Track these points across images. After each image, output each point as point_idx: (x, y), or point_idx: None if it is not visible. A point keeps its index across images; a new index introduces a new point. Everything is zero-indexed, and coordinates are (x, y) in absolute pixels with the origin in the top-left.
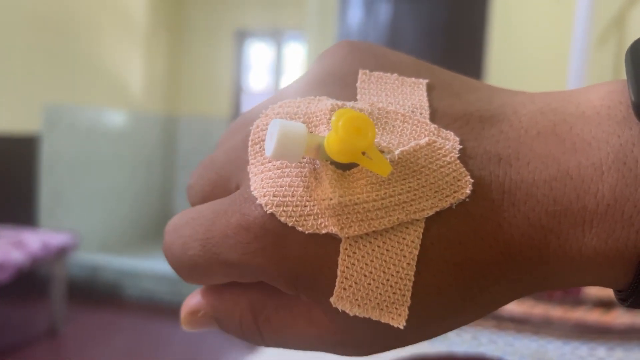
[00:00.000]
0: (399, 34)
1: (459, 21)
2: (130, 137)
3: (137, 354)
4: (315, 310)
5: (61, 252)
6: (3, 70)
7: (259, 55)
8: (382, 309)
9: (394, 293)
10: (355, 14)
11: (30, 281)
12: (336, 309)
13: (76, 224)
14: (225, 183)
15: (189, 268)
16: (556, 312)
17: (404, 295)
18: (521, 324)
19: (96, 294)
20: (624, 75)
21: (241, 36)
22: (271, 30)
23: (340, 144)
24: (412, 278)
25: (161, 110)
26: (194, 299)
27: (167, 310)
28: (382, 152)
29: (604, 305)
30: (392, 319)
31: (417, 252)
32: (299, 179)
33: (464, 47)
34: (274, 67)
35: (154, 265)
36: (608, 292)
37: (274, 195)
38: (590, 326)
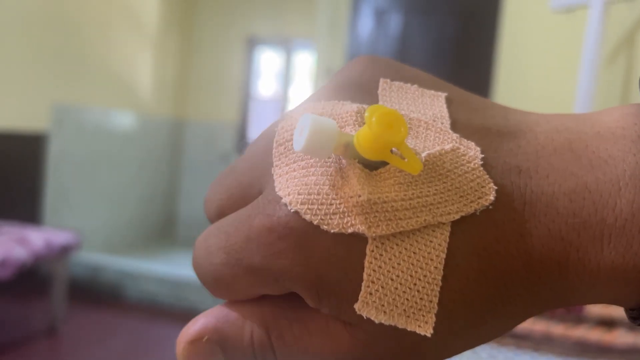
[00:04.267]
0: (409, 46)
1: (468, 34)
2: (137, 139)
3: (135, 356)
4: (333, 324)
5: (64, 251)
6: (13, 68)
7: (268, 63)
8: (408, 316)
9: (421, 299)
10: (366, 25)
11: (31, 278)
12: (357, 321)
13: (80, 223)
14: (246, 189)
15: (214, 279)
16: (557, 329)
17: (431, 301)
18: (522, 340)
19: (97, 294)
20: (633, 95)
21: (251, 43)
22: (281, 38)
23: (374, 140)
24: (440, 283)
25: (169, 114)
26: (194, 326)
27: (168, 313)
28: None
29: (606, 324)
30: (419, 326)
31: (444, 256)
32: (325, 177)
33: (473, 61)
34: (283, 74)
35: (155, 267)
36: (610, 311)
37: (299, 193)
38: (592, 345)
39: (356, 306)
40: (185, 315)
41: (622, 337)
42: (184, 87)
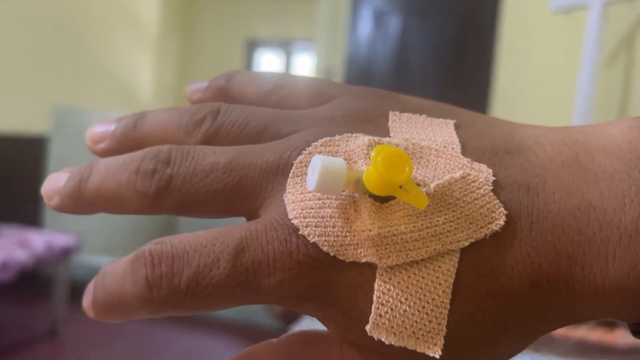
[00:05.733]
0: (408, 48)
1: (467, 36)
2: None
3: (136, 358)
4: (347, 351)
5: (65, 253)
6: (14, 71)
7: (268, 65)
8: (417, 338)
9: (429, 321)
10: (365, 27)
11: (33, 281)
12: (369, 343)
13: (81, 225)
14: (238, 200)
15: (195, 299)
16: (558, 330)
17: (439, 324)
18: None
19: None
20: (632, 96)
21: (251, 45)
22: (281, 40)
23: (379, 179)
24: (448, 306)
25: None
26: None
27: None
28: (418, 185)
29: (607, 324)
30: (428, 348)
31: (452, 281)
32: (339, 210)
33: (472, 62)
34: None
35: None
36: None
37: (316, 226)
38: (592, 345)
39: (367, 328)
40: (186, 316)
41: (623, 338)
42: (184, 89)
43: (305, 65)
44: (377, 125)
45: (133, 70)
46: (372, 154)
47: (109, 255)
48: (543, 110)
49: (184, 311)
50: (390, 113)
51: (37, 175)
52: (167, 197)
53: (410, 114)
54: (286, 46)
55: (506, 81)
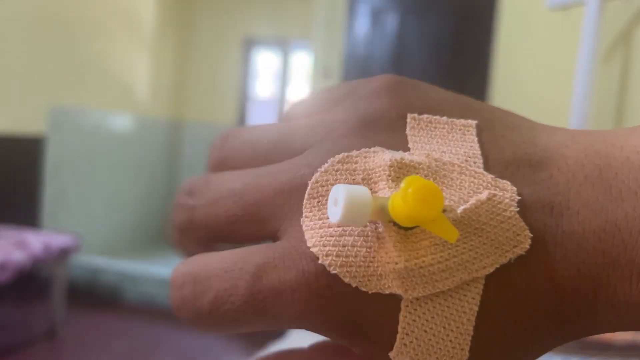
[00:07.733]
0: (405, 45)
1: (465, 33)
2: (135, 142)
3: (135, 358)
4: None
5: (63, 254)
6: (11, 71)
7: (265, 64)
8: None
9: (453, 347)
10: (362, 25)
11: (30, 282)
12: None
13: (78, 226)
14: (255, 223)
15: (218, 323)
16: None
17: (462, 349)
18: None
19: (96, 297)
20: (629, 93)
21: (248, 44)
22: (278, 38)
23: (408, 213)
24: (471, 332)
25: (167, 116)
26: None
27: (167, 314)
28: (444, 210)
29: None
30: None
31: (477, 309)
32: (361, 238)
33: (470, 59)
34: (281, 75)
35: (154, 269)
36: None
37: (337, 256)
38: (591, 342)
39: (391, 354)
40: None
41: (621, 334)
42: (182, 88)
43: (302, 64)
44: (394, 131)
45: (130, 70)
46: (403, 184)
47: (107, 255)
48: (541, 107)
49: (213, 331)
50: (409, 117)
51: (34, 175)
52: (195, 226)
53: (430, 117)
54: (283, 45)
55: (504, 78)
